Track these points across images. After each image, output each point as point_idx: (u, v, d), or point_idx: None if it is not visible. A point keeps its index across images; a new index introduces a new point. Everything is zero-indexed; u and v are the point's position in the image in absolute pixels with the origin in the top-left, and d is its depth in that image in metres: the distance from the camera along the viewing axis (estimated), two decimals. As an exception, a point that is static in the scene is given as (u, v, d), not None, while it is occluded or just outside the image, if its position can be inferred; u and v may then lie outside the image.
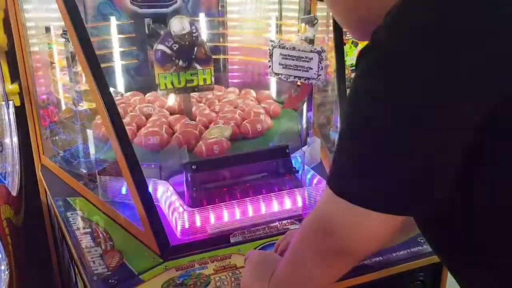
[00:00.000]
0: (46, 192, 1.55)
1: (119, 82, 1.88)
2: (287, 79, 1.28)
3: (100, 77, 1.09)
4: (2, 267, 1.12)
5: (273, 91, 1.94)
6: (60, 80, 1.52)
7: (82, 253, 1.10)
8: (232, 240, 1.14)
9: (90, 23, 1.80)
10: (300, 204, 1.25)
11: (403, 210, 0.61)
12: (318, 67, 1.24)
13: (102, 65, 1.16)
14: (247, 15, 2.04)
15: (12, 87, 1.48)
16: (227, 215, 1.17)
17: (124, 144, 1.08)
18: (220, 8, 2.03)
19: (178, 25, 1.43)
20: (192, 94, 1.61)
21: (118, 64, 1.85)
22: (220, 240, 1.14)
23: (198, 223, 1.14)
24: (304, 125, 1.52)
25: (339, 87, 1.50)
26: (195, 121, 1.53)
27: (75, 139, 1.46)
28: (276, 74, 1.28)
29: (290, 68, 1.26)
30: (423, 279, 1.13)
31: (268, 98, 1.78)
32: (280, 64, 1.26)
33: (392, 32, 0.60)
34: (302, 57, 1.24)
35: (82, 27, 1.10)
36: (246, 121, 1.50)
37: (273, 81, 1.95)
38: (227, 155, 1.34)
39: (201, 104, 1.71)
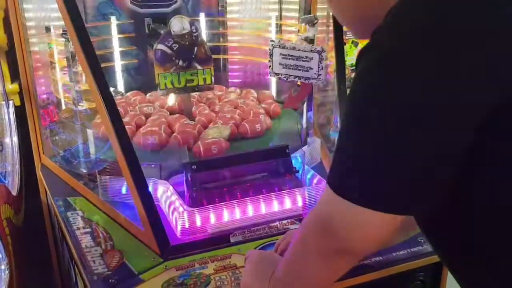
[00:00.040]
0: (46, 191, 1.55)
1: (119, 82, 1.88)
2: (287, 79, 1.28)
3: (100, 77, 1.09)
4: (2, 267, 1.12)
5: (273, 91, 1.94)
6: (60, 80, 1.51)
7: (82, 252, 1.10)
8: (232, 240, 1.14)
9: (90, 23, 1.80)
10: (300, 204, 1.25)
11: (403, 209, 0.61)
12: (318, 67, 1.24)
13: (102, 65, 1.16)
14: (247, 15, 2.04)
15: (12, 87, 1.48)
16: (227, 215, 1.17)
17: (124, 144, 1.08)
18: (220, 8, 2.03)
19: (178, 25, 1.42)
20: (192, 94, 1.61)
21: (118, 64, 1.85)
22: (220, 240, 1.14)
23: (198, 223, 1.14)
24: (304, 125, 1.52)
25: (339, 87, 1.50)
26: (194, 121, 1.53)
27: (75, 139, 1.45)
28: (276, 74, 1.28)
29: (290, 68, 1.26)
30: (423, 279, 1.13)
31: (269, 98, 1.78)
32: (280, 64, 1.26)
33: (392, 32, 0.60)
34: (302, 57, 1.24)
35: (82, 27, 1.10)
36: (245, 121, 1.50)
37: (273, 81, 1.95)
38: (227, 155, 1.34)
39: (201, 104, 1.71)
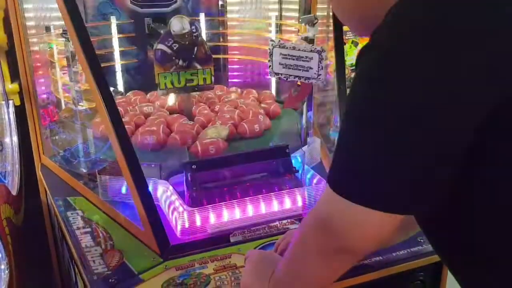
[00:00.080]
0: (46, 191, 1.55)
1: (119, 81, 1.88)
2: (287, 79, 1.28)
3: (100, 76, 1.09)
4: (2, 267, 1.12)
5: (273, 90, 1.94)
6: (60, 80, 1.51)
7: (82, 252, 1.10)
8: (232, 240, 1.14)
9: (90, 22, 1.80)
10: (300, 203, 1.25)
11: (403, 209, 0.61)
12: (318, 67, 1.24)
13: (102, 65, 1.16)
14: (247, 14, 2.04)
15: (12, 87, 1.48)
16: (227, 215, 1.17)
17: (124, 144, 1.08)
18: (220, 8, 2.03)
19: (178, 24, 1.42)
20: (193, 93, 1.61)
21: (118, 64, 1.85)
22: (220, 239, 1.14)
23: (198, 223, 1.14)
24: (304, 125, 1.52)
25: (339, 87, 1.50)
26: (194, 120, 1.53)
27: (75, 138, 1.45)
28: (276, 73, 1.28)
29: (290, 68, 1.26)
30: (423, 278, 1.13)
31: (270, 98, 1.77)
32: (280, 63, 1.26)
33: (392, 32, 0.60)
34: (302, 57, 1.24)
35: (82, 26, 1.10)
36: (243, 121, 1.50)
37: (273, 81, 1.95)
38: (227, 155, 1.34)
39: (201, 104, 1.71)
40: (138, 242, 1.14)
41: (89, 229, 1.20)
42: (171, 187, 1.24)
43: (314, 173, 1.37)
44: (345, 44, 1.60)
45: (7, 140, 1.46)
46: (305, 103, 1.47)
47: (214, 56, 1.54)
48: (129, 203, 1.19)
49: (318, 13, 1.60)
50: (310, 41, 1.38)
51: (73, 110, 1.42)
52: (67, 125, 1.53)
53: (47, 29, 1.54)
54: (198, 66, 1.48)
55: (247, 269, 0.92)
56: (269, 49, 1.26)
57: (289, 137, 1.50)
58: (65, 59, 1.37)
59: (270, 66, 1.27)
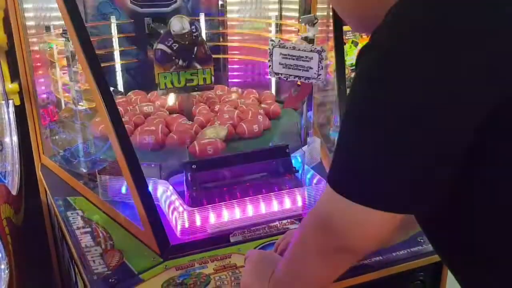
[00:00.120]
0: (46, 191, 1.55)
1: (119, 81, 1.88)
2: (287, 79, 1.28)
3: (100, 76, 1.09)
4: (2, 266, 1.12)
5: (273, 90, 1.94)
6: (60, 80, 1.51)
7: (82, 252, 1.10)
8: (232, 240, 1.14)
9: (90, 22, 1.80)
10: (300, 203, 1.25)
11: (403, 209, 0.61)
12: (318, 67, 1.24)
13: (102, 65, 1.16)
14: (247, 14, 2.04)
15: (12, 86, 1.48)
16: (227, 215, 1.17)
17: (124, 144, 1.08)
18: (220, 8, 2.03)
19: (178, 24, 1.42)
20: (194, 93, 1.61)
21: (118, 64, 1.85)
22: (220, 239, 1.14)
23: (198, 223, 1.14)
24: (304, 125, 1.52)
25: (339, 87, 1.50)
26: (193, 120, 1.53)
27: (75, 138, 1.45)
28: (276, 73, 1.28)
29: (290, 68, 1.26)
30: (423, 278, 1.13)
31: (270, 99, 1.77)
32: (280, 63, 1.26)
33: (392, 31, 0.60)
34: (302, 57, 1.24)
35: (82, 26, 1.10)
36: (242, 121, 1.50)
37: (273, 81, 1.95)
38: (227, 155, 1.34)
39: (202, 104, 1.71)
40: (138, 242, 1.14)
41: (89, 229, 1.20)
42: (171, 187, 1.24)
43: (314, 173, 1.37)
44: (345, 44, 1.60)
45: (7, 140, 1.46)
46: (305, 103, 1.47)
47: (214, 56, 1.54)
48: (129, 203, 1.19)
49: (318, 13, 1.61)
50: (310, 41, 1.38)
51: (73, 110, 1.42)
52: (67, 125, 1.53)
53: (47, 29, 1.54)
54: (198, 66, 1.48)
55: (247, 269, 0.92)
56: (269, 49, 1.26)
57: (289, 137, 1.50)
58: (65, 59, 1.37)
59: (270, 66, 1.28)
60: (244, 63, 2.08)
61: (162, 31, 1.48)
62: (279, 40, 1.28)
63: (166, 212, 1.22)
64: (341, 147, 0.65)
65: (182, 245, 1.11)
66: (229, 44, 2.05)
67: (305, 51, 1.24)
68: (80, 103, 1.38)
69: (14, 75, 1.50)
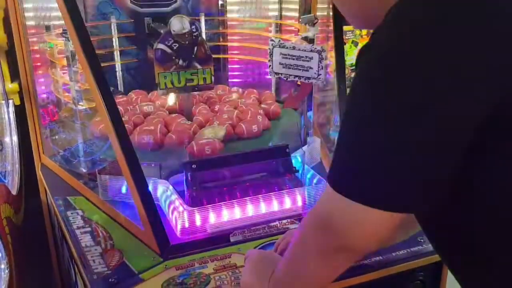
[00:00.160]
0: (46, 191, 1.55)
1: (119, 81, 1.88)
2: (287, 79, 1.28)
3: (100, 76, 1.09)
4: (2, 266, 1.12)
5: (272, 90, 1.94)
6: (60, 79, 1.51)
7: (82, 252, 1.10)
8: (232, 240, 1.14)
9: (90, 22, 1.80)
10: (300, 203, 1.25)
11: (403, 208, 0.62)
12: (318, 67, 1.24)
13: (102, 64, 1.16)
14: (247, 14, 2.04)
15: (12, 86, 1.48)
16: (227, 215, 1.17)
17: (124, 143, 1.08)
18: (220, 8, 2.03)
19: (178, 24, 1.42)
20: (195, 93, 1.61)
21: (118, 63, 1.85)
22: (220, 239, 1.14)
23: (198, 222, 1.14)
24: (304, 125, 1.52)
25: (339, 87, 1.50)
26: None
27: (75, 138, 1.46)
28: (276, 73, 1.28)
29: (290, 68, 1.26)
30: (423, 278, 1.13)
31: (270, 99, 1.77)
32: (280, 63, 1.26)
33: (392, 31, 0.60)
34: (302, 57, 1.24)
35: (82, 26, 1.10)
36: (241, 121, 1.49)
37: (273, 80, 1.95)
38: (227, 154, 1.34)
39: (202, 104, 1.71)
40: (138, 241, 1.14)
41: (89, 229, 1.20)
42: (171, 187, 1.24)
43: (314, 173, 1.37)
44: (345, 44, 1.60)
45: (7, 139, 1.46)
46: (305, 102, 1.47)
47: (214, 56, 1.54)
48: (129, 202, 1.19)
49: (318, 13, 1.61)
50: (310, 41, 1.38)
51: (73, 110, 1.42)
52: (67, 125, 1.53)
53: (47, 28, 1.54)
54: (198, 66, 1.48)
55: (247, 268, 0.92)
56: (269, 49, 1.26)
57: (289, 137, 1.50)
58: (65, 58, 1.37)
59: (270, 66, 1.27)
60: (244, 63, 2.08)
61: (162, 31, 1.48)
62: (279, 40, 1.28)
63: (166, 212, 1.22)
64: (341, 147, 0.65)
65: (182, 245, 1.11)
66: (229, 44, 2.05)
67: (305, 51, 1.24)
68: (80, 103, 1.38)
69: (14, 75, 1.50)
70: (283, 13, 1.98)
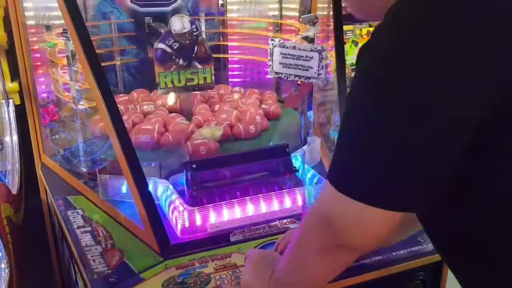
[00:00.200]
0: (46, 190, 1.55)
1: (119, 80, 1.88)
2: (287, 78, 1.28)
3: (100, 75, 1.09)
4: (2, 266, 1.12)
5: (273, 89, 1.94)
6: (61, 79, 1.51)
7: (82, 251, 1.10)
8: (232, 239, 1.14)
9: (90, 21, 1.80)
10: (300, 203, 1.25)
11: (403, 208, 0.62)
12: (319, 66, 1.24)
13: (102, 64, 1.15)
14: (247, 14, 2.04)
15: (12, 86, 1.48)
16: (227, 214, 1.17)
17: (125, 143, 1.08)
18: (220, 7, 2.03)
19: (178, 23, 1.42)
20: (197, 93, 1.60)
21: (118, 63, 1.85)
22: (220, 239, 1.14)
23: (198, 222, 1.14)
24: (304, 124, 1.52)
25: (339, 86, 1.50)
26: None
27: (75, 137, 1.46)
28: (277, 73, 1.27)
29: (290, 67, 1.25)
30: (423, 278, 1.13)
31: (272, 99, 1.76)
32: (280, 63, 1.26)
33: (392, 31, 0.60)
34: (303, 56, 1.24)
35: (82, 25, 1.10)
36: (239, 122, 1.49)
37: (273, 80, 1.95)
38: (227, 154, 1.34)
39: (202, 104, 1.71)
40: (138, 241, 1.14)
41: (89, 228, 1.20)
42: (171, 186, 1.24)
43: (314, 172, 1.37)
44: (345, 43, 1.60)
45: (7, 139, 1.46)
46: (305, 102, 1.47)
47: (214, 55, 1.54)
48: (129, 202, 1.19)
49: (318, 12, 1.61)
50: (311, 40, 1.38)
51: (73, 109, 1.42)
52: (67, 124, 1.53)
53: (47, 28, 1.54)
54: (198, 66, 1.48)
55: (247, 268, 0.92)
56: (269, 48, 1.26)
57: (289, 136, 1.50)
58: (65, 58, 1.37)
59: (270, 65, 1.27)
60: (244, 63, 2.08)
61: (162, 31, 1.48)
62: (280, 40, 1.27)
63: (167, 211, 1.22)
64: (341, 146, 0.65)
65: (182, 245, 1.11)
66: (229, 43, 2.05)
67: (305, 50, 1.24)
68: (80, 102, 1.38)
69: (14, 74, 1.50)
70: (283, 12, 1.98)
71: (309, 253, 0.71)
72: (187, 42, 1.44)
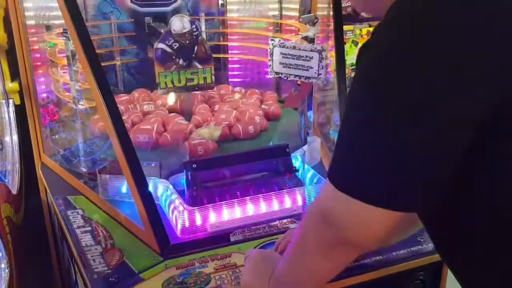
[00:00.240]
0: (46, 190, 1.55)
1: (119, 80, 1.88)
2: (287, 78, 1.28)
3: (100, 75, 1.09)
4: (2, 266, 1.12)
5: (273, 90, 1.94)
6: (61, 79, 1.51)
7: (82, 251, 1.10)
8: (232, 239, 1.14)
9: (90, 21, 1.80)
10: (300, 203, 1.25)
11: (403, 208, 0.62)
12: (319, 66, 1.24)
13: (102, 64, 1.15)
14: (247, 14, 2.04)
15: (12, 86, 1.48)
16: (227, 214, 1.17)
17: (125, 143, 1.08)
18: (220, 7, 2.03)
19: (178, 23, 1.42)
20: (197, 93, 1.60)
21: (118, 63, 1.85)
22: (220, 238, 1.14)
23: (198, 222, 1.14)
24: (304, 124, 1.52)
25: (339, 86, 1.50)
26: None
27: (75, 137, 1.46)
28: (277, 73, 1.28)
29: (290, 67, 1.26)
30: (423, 278, 1.13)
31: (272, 99, 1.76)
32: (280, 63, 1.26)
33: (392, 30, 0.60)
34: (303, 56, 1.24)
35: (83, 25, 1.10)
36: (238, 122, 1.49)
37: (273, 80, 1.94)
38: (227, 154, 1.34)
39: (202, 103, 1.71)
40: (138, 241, 1.14)
41: (89, 228, 1.20)
42: (171, 186, 1.24)
43: (314, 172, 1.37)
44: (345, 43, 1.60)
45: (7, 139, 1.46)
46: (305, 102, 1.47)
47: (214, 55, 1.54)
48: (130, 202, 1.19)
49: (318, 12, 1.61)
50: (311, 40, 1.38)
51: (73, 109, 1.42)
52: (67, 124, 1.53)
53: (48, 28, 1.54)
54: (199, 66, 1.48)
55: (247, 268, 0.92)
56: (269, 48, 1.26)
57: (289, 136, 1.49)
58: (65, 58, 1.37)
59: (270, 65, 1.27)
60: (244, 63, 2.08)
61: (162, 31, 1.48)
62: (280, 40, 1.28)
63: (167, 211, 1.22)
64: (341, 146, 0.65)
65: (182, 244, 1.11)
66: (229, 43, 2.05)
67: (305, 50, 1.24)
68: (80, 102, 1.38)
69: (14, 74, 1.50)
70: (283, 12, 1.98)
71: (309, 251, 0.71)
72: (187, 42, 1.44)
